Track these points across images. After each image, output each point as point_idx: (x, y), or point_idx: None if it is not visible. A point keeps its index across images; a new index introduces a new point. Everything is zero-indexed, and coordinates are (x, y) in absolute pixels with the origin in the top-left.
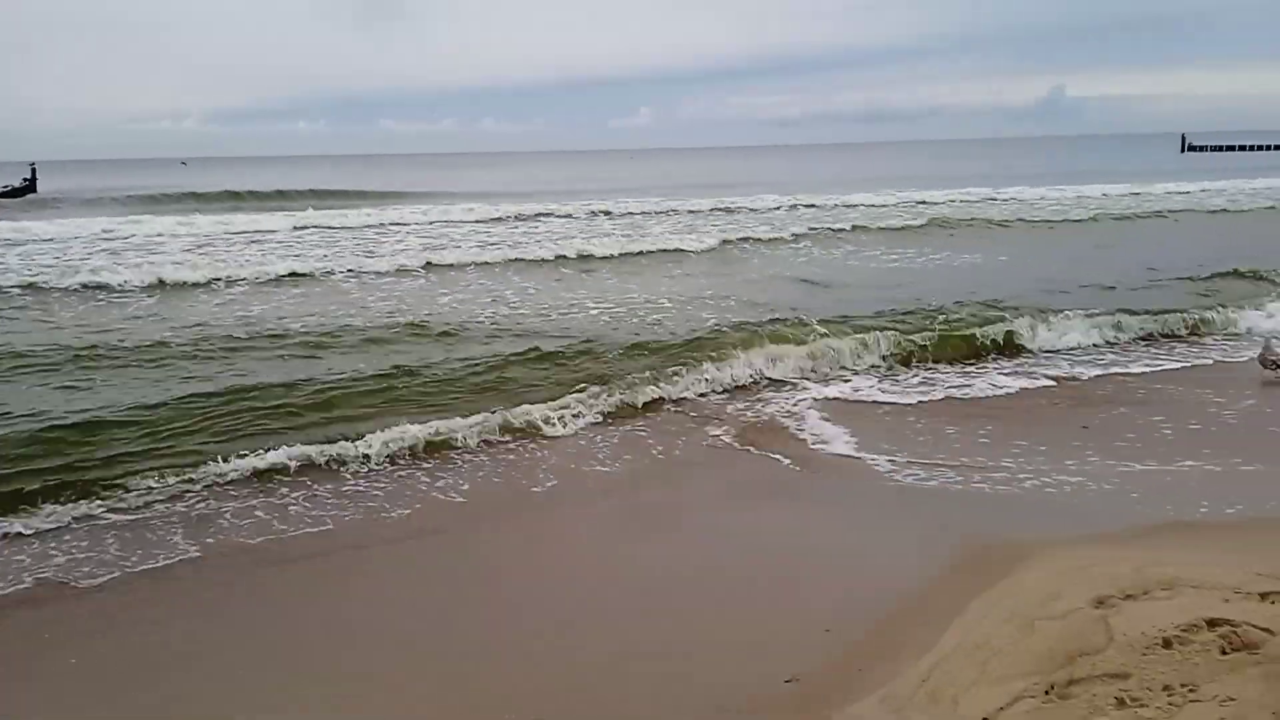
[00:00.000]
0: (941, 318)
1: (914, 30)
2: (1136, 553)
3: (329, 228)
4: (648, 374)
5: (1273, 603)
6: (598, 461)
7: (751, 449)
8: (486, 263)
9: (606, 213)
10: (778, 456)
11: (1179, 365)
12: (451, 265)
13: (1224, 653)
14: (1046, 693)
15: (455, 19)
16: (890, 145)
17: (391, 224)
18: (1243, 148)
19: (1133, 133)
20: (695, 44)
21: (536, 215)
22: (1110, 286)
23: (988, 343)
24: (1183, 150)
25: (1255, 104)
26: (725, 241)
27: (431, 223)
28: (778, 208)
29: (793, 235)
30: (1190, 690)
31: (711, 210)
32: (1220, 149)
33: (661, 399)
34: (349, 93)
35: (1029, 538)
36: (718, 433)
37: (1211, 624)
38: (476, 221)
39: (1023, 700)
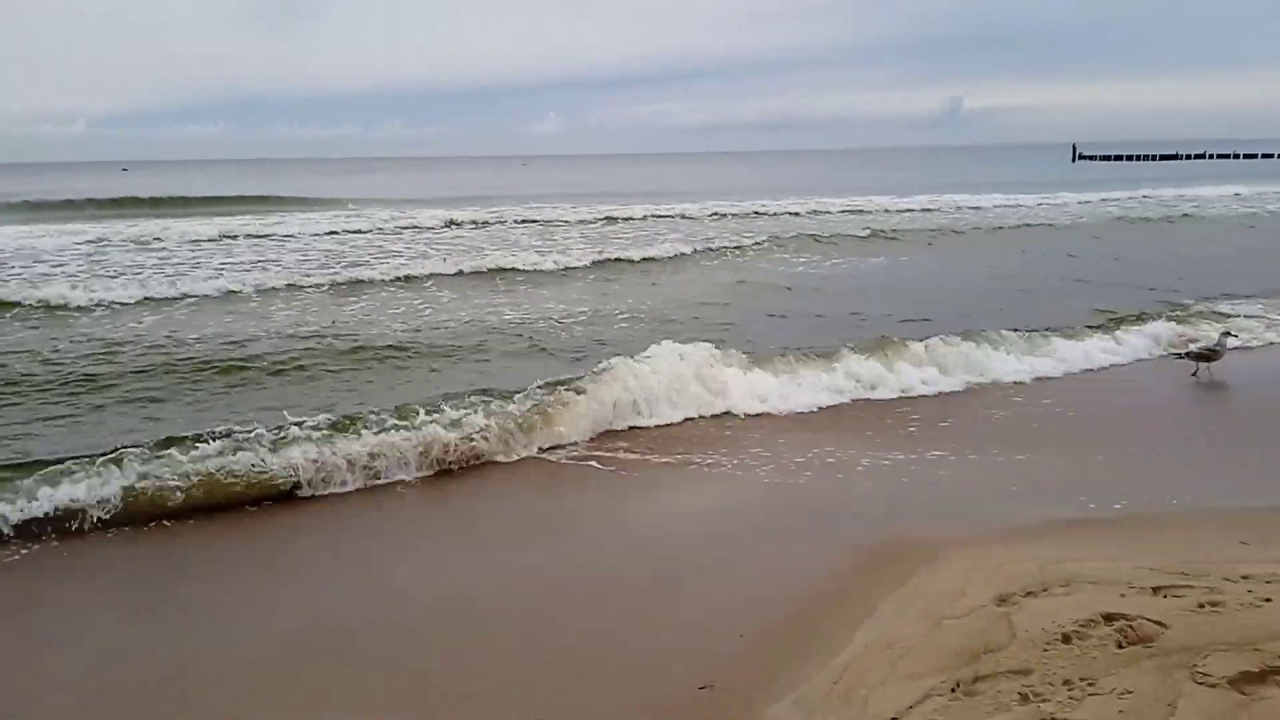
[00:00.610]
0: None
1: (818, 41)
2: (1038, 550)
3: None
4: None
5: (1165, 597)
6: None
7: (650, 456)
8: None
9: (477, 223)
10: (671, 460)
11: (1083, 367)
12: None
13: (1120, 646)
14: (953, 690)
15: (358, 20)
16: (797, 153)
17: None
18: (1129, 157)
19: (1026, 142)
20: (605, 50)
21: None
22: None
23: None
24: (1074, 160)
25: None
26: (596, 262)
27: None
28: (644, 217)
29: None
30: (1089, 684)
31: (580, 222)
32: (1108, 158)
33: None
34: (246, 95)
35: (938, 537)
36: (621, 443)
37: (1108, 619)
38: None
39: (931, 698)
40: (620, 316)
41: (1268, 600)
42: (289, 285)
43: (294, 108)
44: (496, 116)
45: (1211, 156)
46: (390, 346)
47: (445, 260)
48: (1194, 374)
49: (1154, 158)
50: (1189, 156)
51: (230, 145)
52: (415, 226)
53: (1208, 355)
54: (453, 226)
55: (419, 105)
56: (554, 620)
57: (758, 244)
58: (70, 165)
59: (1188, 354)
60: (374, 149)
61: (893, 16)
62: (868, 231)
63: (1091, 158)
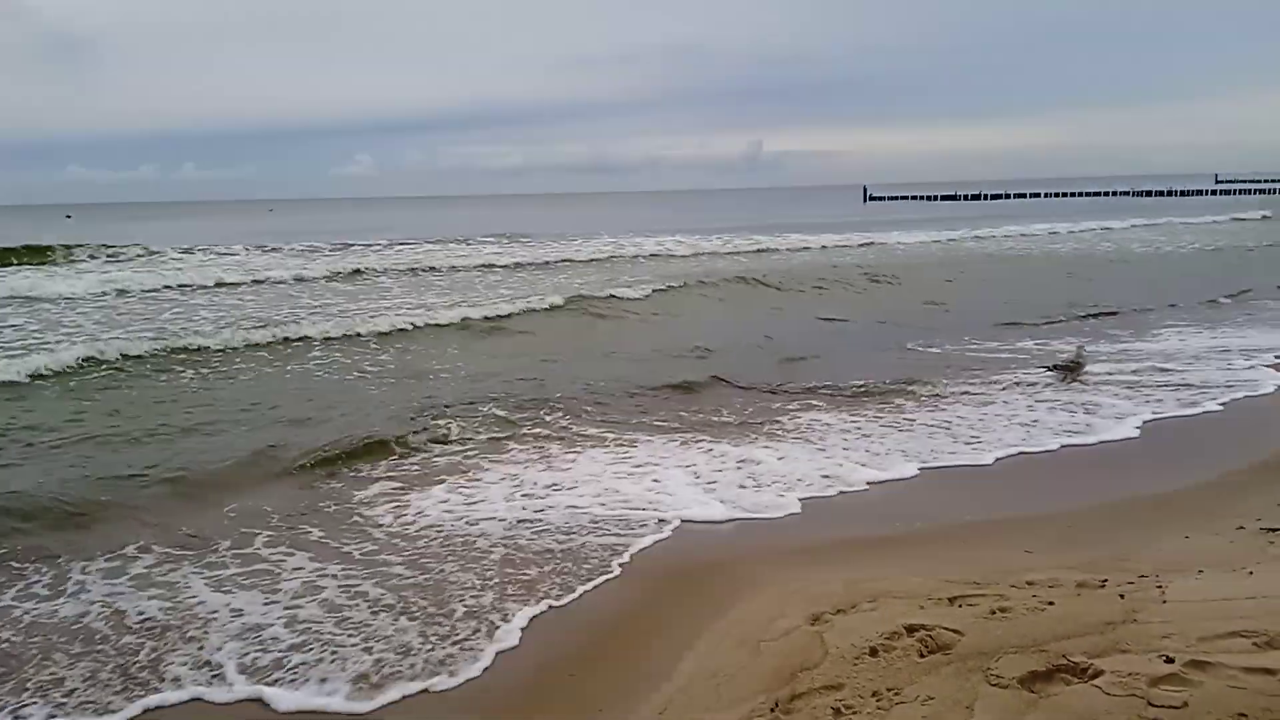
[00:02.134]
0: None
1: (629, 86)
2: (847, 570)
3: None
4: None
5: (960, 606)
6: None
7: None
8: None
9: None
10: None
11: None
12: None
13: (922, 655)
14: (772, 710)
15: (153, 59)
16: (613, 195)
17: None
18: (914, 198)
19: (822, 184)
20: (417, 93)
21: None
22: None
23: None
24: (865, 200)
25: (922, 160)
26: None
27: None
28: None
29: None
30: (895, 693)
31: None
32: (895, 199)
33: None
34: (31, 136)
35: (755, 563)
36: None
37: (910, 630)
38: None
39: None
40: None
41: (1051, 604)
42: None
43: (85, 148)
44: (305, 158)
45: (986, 197)
46: None
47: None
48: (1063, 381)
49: (936, 198)
50: (966, 197)
51: (11, 189)
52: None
53: (1072, 366)
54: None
55: (214, 147)
56: None
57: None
58: None
59: (1055, 366)
60: (171, 192)
61: (699, 64)
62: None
63: (880, 198)
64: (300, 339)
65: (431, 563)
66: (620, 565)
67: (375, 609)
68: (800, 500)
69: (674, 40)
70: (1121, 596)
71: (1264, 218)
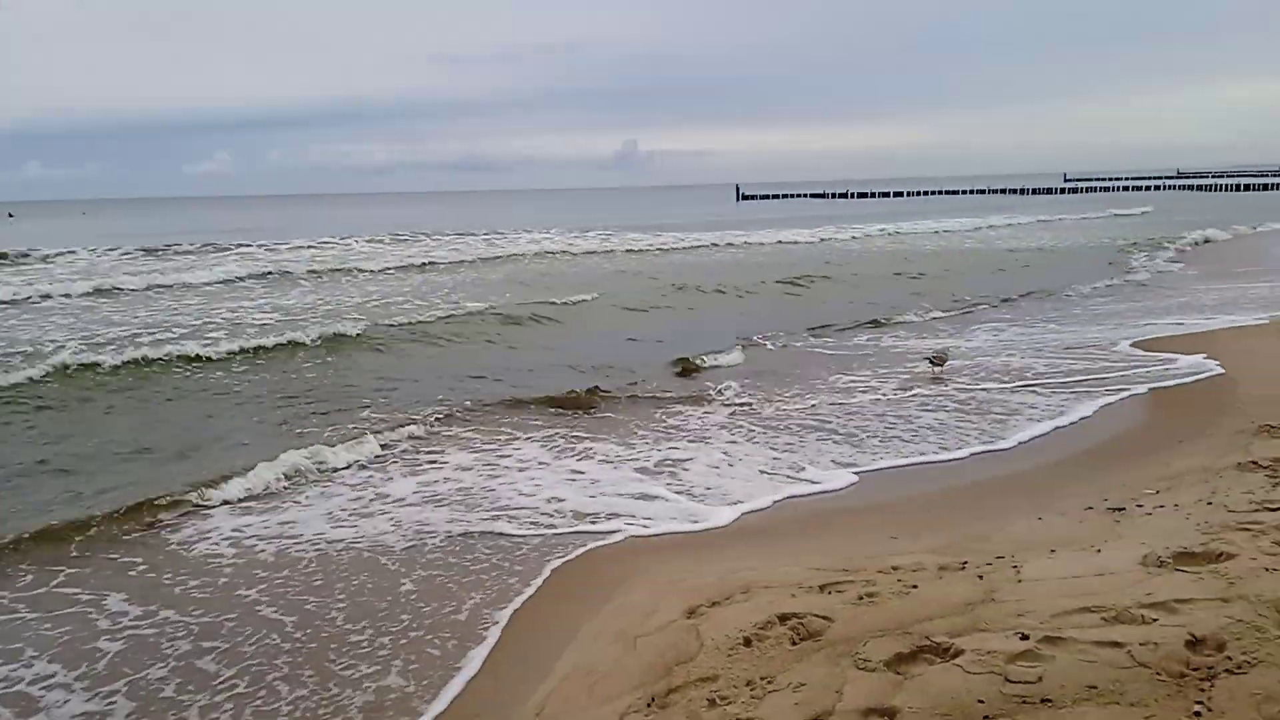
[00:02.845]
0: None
1: (504, 84)
2: (721, 562)
3: None
4: None
5: (830, 593)
6: None
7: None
8: None
9: None
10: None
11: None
12: None
13: (794, 643)
14: (649, 704)
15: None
16: (487, 194)
17: None
18: (785, 196)
19: (696, 183)
20: (280, 88)
21: None
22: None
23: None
24: (738, 199)
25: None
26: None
27: None
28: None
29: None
30: (768, 682)
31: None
32: (767, 197)
33: None
34: None
35: (632, 557)
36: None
37: (782, 619)
38: None
39: (628, 716)
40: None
41: (915, 587)
42: None
43: None
44: (158, 155)
45: (853, 195)
46: None
47: None
48: (935, 370)
49: (806, 196)
50: (835, 195)
51: None
52: None
53: (940, 358)
54: None
55: (58, 144)
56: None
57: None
58: None
59: (928, 359)
60: (9, 192)
61: (575, 63)
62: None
63: (752, 197)
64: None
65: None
66: (504, 568)
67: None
68: (678, 494)
69: (550, 39)
70: (980, 577)
71: (1143, 213)
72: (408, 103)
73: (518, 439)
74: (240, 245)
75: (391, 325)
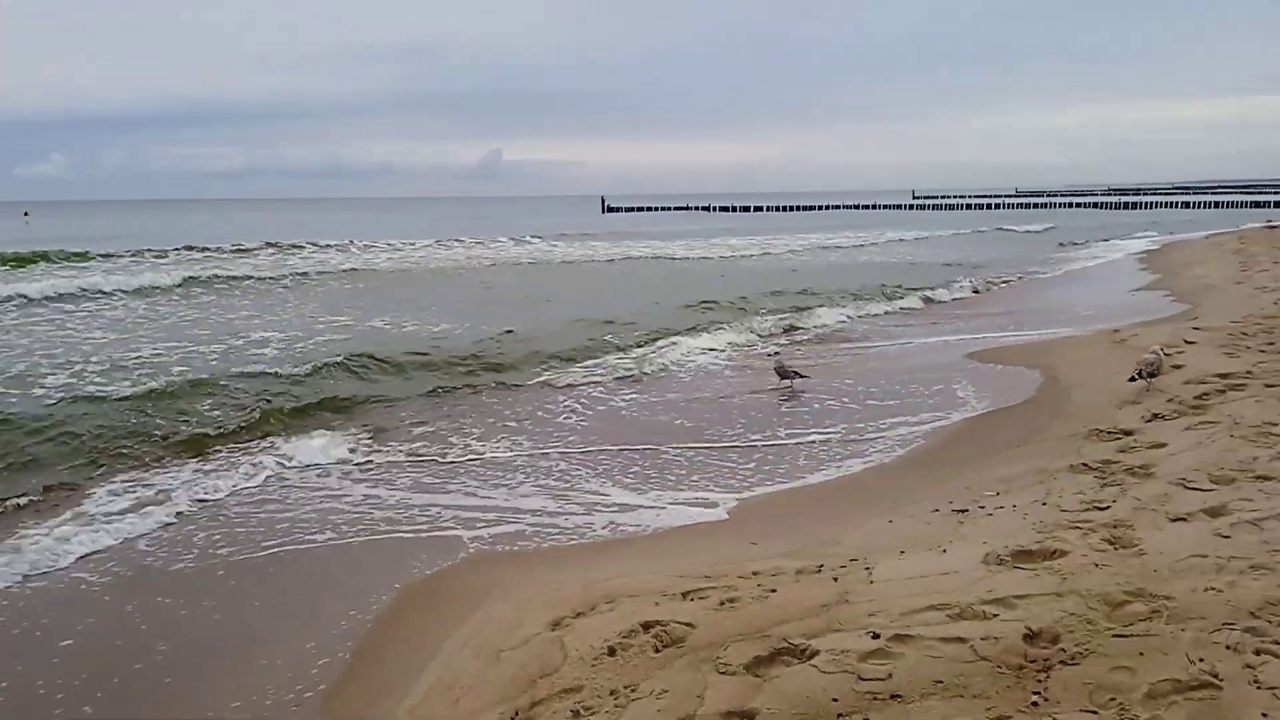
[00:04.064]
0: None
1: (366, 89)
2: (585, 573)
3: None
4: None
5: (692, 600)
6: None
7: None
8: None
9: None
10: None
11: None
12: None
13: (657, 650)
14: (513, 718)
15: None
16: (345, 201)
17: None
18: (650, 209)
19: (562, 194)
20: (126, 88)
21: None
22: None
23: None
24: (603, 211)
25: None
26: None
27: None
28: None
29: None
30: (632, 690)
31: None
32: (633, 210)
33: None
34: None
35: (496, 569)
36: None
37: (646, 627)
38: None
39: None
40: None
41: (773, 591)
42: None
43: None
44: None
45: (714, 209)
46: None
47: None
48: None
49: (669, 209)
50: (698, 208)
51: None
52: None
53: (784, 369)
54: None
55: None
56: None
57: None
58: None
59: (776, 369)
60: None
61: (437, 69)
62: None
63: (617, 209)
64: None
65: None
66: (362, 582)
67: None
68: (541, 503)
69: (410, 43)
70: (835, 580)
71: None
72: (261, 104)
73: None
74: None
75: None
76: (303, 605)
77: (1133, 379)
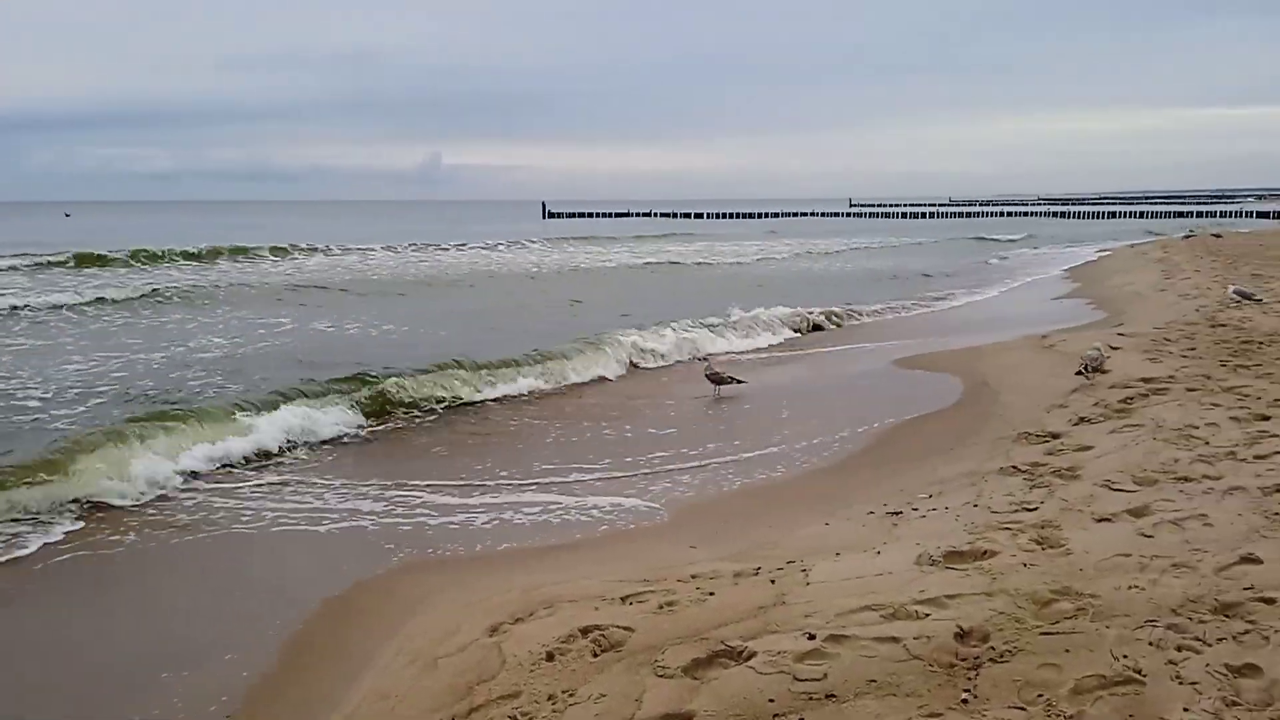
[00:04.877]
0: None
1: (299, 91)
2: (523, 578)
3: None
4: None
5: (631, 604)
6: None
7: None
8: None
9: None
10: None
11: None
12: None
13: (595, 655)
14: None
15: None
16: (273, 204)
17: None
18: (592, 215)
19: (501, 199)
20: (46, 87)
21: None
22: None
23: None
24: (544, 216)
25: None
26: None
27: None
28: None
29: None
30: (570, 695)
31: None
32: (575, 215)
33: None
34: None
35: (430, 576)
36: None
37: (584, 632)
38: None
39: None
40: None
41: (711, 594)
42: None
43: None
44: None
45: (656, 215)
46: None
47: None
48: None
49: (611, 215)
50: (638, 214)
51: None
52: None
53: (717, 376)
54: None
55: None
56: None
57: None
58: None
59: (709, 375)
60: None
61: (373, 72)
62: None
63: (559, 215)
64: None
65: None
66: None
67: None
68: (480, 508)
69: (344, 46)
70: (772, 582)
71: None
72: (189, 106)
73: None
74: None
75: None
76: (220, 615)
77: (1079, 373)
